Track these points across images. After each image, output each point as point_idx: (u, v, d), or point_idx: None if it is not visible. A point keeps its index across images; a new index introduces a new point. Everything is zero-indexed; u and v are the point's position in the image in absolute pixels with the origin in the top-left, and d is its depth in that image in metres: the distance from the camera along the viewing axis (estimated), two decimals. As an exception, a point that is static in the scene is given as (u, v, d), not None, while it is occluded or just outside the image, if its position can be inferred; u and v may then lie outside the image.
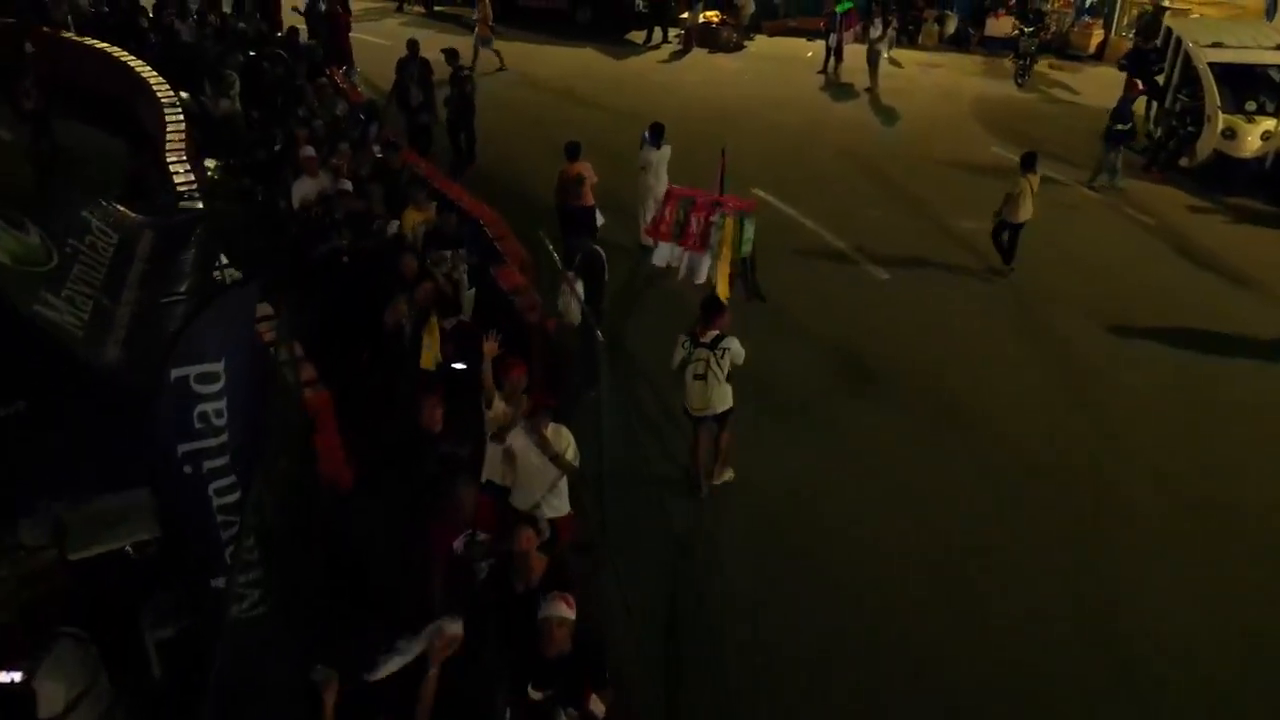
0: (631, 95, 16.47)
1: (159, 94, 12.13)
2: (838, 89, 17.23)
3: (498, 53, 17.18)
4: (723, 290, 7.54)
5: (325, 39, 14.25)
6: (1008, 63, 18.85)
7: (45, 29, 14.83)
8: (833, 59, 17.70)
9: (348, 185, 8.09)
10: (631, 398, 7.69)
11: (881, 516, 6.51)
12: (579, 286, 7.32)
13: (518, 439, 5.21)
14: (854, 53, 17.65)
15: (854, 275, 10.15)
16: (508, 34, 20.38)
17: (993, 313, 9.40)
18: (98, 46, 14.05)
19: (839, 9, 17.28)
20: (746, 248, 8.01)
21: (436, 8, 22.09)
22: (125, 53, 13.61)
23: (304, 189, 8.60)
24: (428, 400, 5.16)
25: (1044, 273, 10.17)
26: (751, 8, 20.27)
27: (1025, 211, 9.65)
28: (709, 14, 20.28)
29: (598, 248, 7.56)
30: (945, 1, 21.14)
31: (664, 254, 8.51)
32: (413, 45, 12.62)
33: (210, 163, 12.29)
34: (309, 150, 8.64)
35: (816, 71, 18.05)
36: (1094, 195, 12.44)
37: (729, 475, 6.69)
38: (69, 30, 14.88)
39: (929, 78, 18.18)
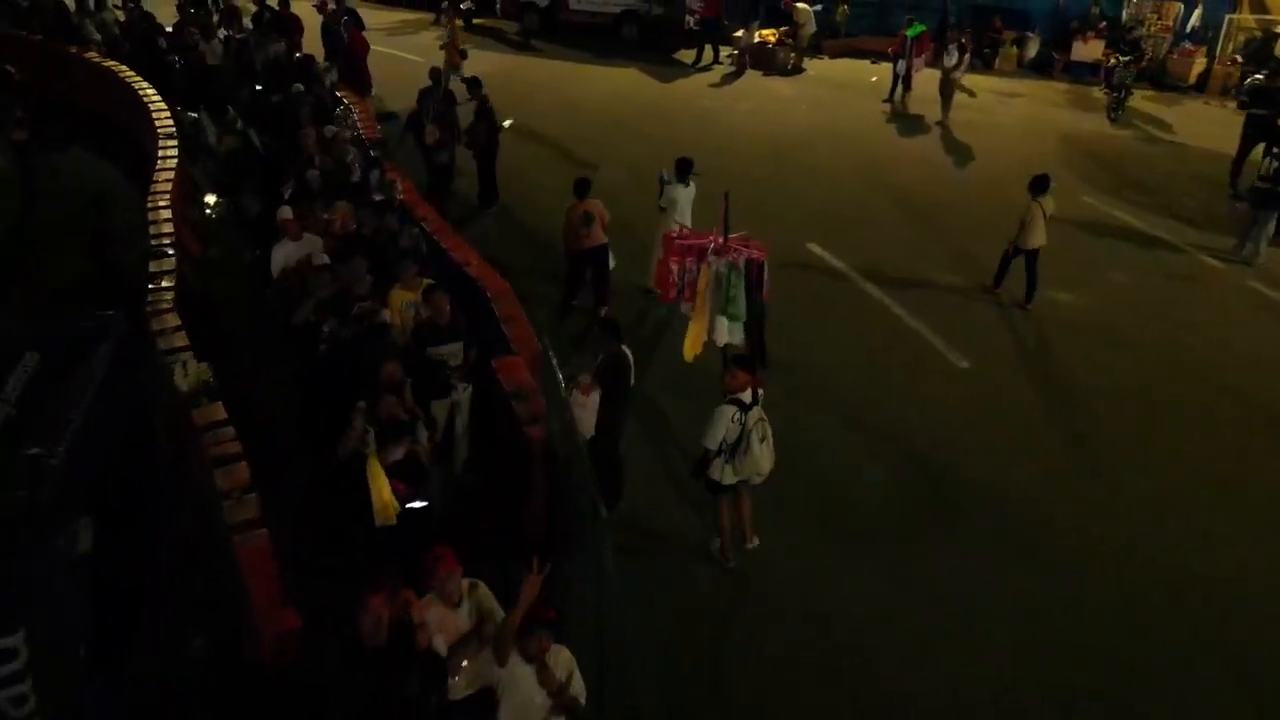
0: (677, 123, 15.07)
1: (157, 122, 11.13)
2: (905, 121, 15.57)
3: (464, 79, 15.54)
4: (688, 347, 6.34)
5: (342, 63, 13.09)
6: (1097, 93, 17.02)
7: (71, 47, 13.97)
8: (900, 87, 16.04)
9: (324, 258, 6.84)
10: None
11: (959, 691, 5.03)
12: (595, 396, 5.97)
13: (514, 668, 3.88)
14: (923, 79, 16.01)
15: (927, 360, 8.58)
16: (549, 51, 19.22)
17: (1101, 420, 7.73)
18: (103, 65, 13.14)
19: (909, 33, 15.61)
20: (733, 309, 6.33)
21: (475, 20, 20.93)
22: (133, 74, 12.65)
23: (285, 254, 7.42)
24: (368, 605, 3.83)
25: (1162, 366, 8.50)
26: (812, 27, 18.65)
27: (1038, 238, 9.09)
28: (765, 33, 18.79)
29: (624, 349, 6.16)
30: (1025, 22, 19.29)
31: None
32: (435, 74, 11.41)
33: (211, 199, 11.27)
34: (287, 211, 7.45)
35: (882, 100, 16.40)
36: (1215, 264, 10.63)
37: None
38: (99, 50, 13.90)
39: (1007, 109, 16.42)
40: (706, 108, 16.06)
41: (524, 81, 16.93)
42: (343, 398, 5.93)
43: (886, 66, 17.68)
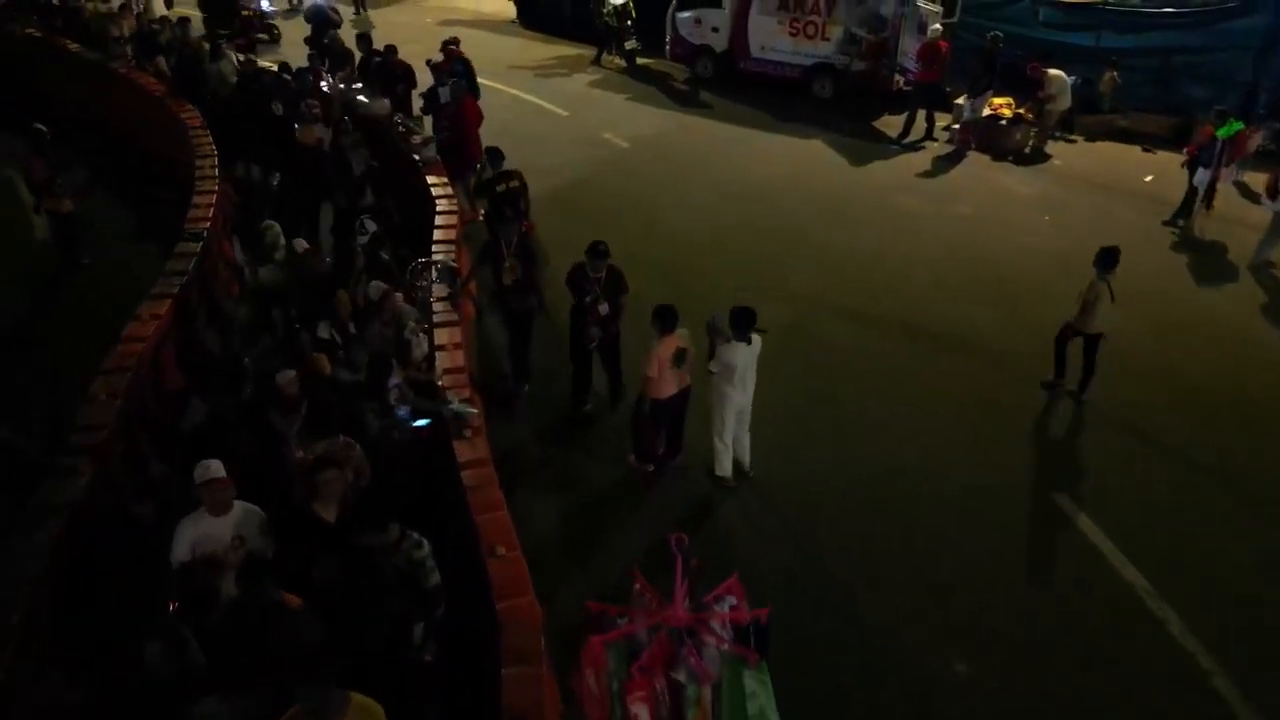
0: (863, 230, 11.36)
1: (190, 214, 8.79)
2: (1203, 257, 10.85)
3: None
4: None
5: (445, 134, 10.40)
6: None
7: (183, 104, 12.08)
8: (1199, 203, 11.35)
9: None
10: None
11: None
12: None
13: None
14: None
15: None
16: (718, 108, 15.93)
17: None
18: (187, 125, 11.10)
19: (1221, 132, 10.89)
20: None
21: (640, 61, 18.03)
22: (209, 146, 10.43)
23: (196, 535, 4.69)
24: None
25: None
26: (1067, 101, 13.99)
27: (1103, 321, 7.57)
28: (998, 102, 14.44)
29: None
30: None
31: None
32: (503, 170, 8.51)
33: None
34: (214, 468, 4.65)
35: (1163, 221, 11.63)
36: None
37: None
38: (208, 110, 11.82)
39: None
40: (908, 207, 12.15)
41: (677, 150, 13.80)
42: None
43: (1166, 157, 13.08)
